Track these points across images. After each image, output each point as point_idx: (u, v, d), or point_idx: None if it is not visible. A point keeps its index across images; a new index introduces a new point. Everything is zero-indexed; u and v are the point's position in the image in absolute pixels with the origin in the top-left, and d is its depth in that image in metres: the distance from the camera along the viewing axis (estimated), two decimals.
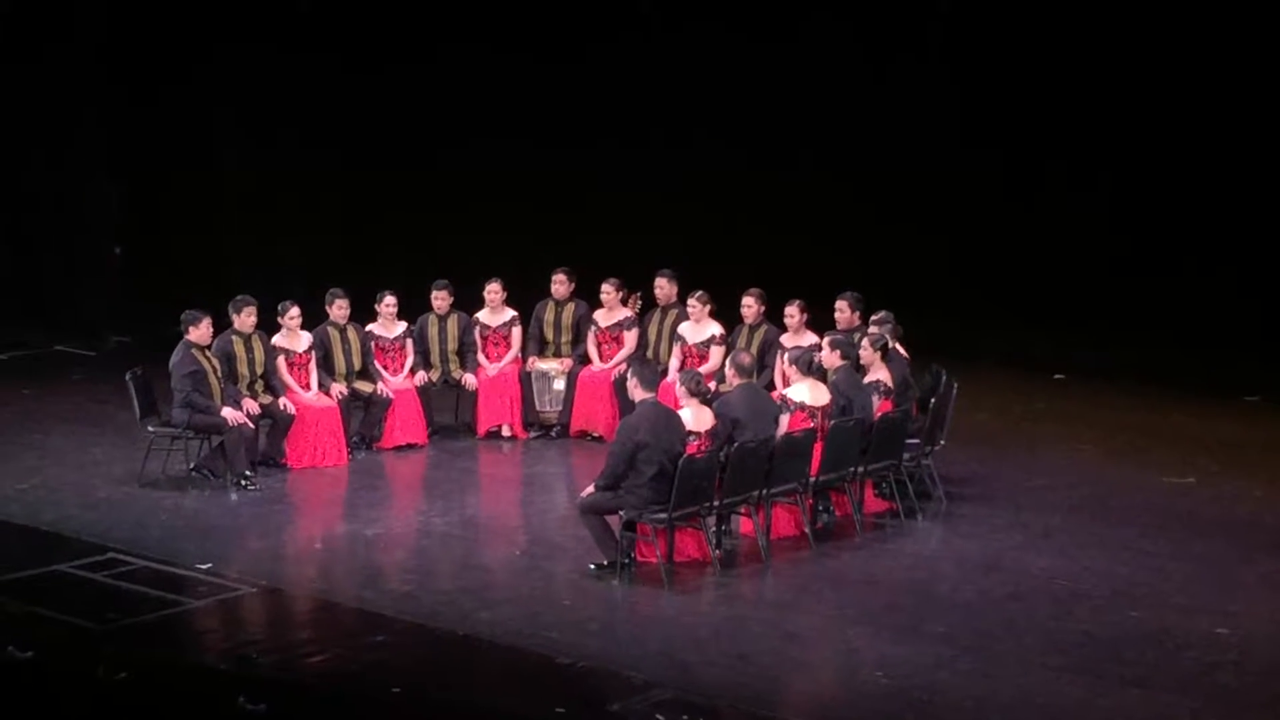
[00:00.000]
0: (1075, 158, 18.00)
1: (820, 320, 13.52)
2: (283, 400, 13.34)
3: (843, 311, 13.35)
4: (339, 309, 13.99)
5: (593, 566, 11.09)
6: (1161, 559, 11.47)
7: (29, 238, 18.61)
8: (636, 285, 14.76)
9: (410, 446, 14.14)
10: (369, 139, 19.98)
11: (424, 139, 20.14)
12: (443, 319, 14.59)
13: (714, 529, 11.42)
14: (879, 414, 12.12)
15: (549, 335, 14.73)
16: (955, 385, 12.94)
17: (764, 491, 11.39)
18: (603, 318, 14.59)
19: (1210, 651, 9.85)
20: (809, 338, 13.25)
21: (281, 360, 13.52)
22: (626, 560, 11.00)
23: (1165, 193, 17.64)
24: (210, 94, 19.24)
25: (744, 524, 11.74)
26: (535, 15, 19.75)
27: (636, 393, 11.26)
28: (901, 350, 12.91)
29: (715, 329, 13.99)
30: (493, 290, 14.65)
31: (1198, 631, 10.12)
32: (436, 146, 20.16)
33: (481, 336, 14.65)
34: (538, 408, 14.59)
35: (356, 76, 19.78)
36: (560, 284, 14.71)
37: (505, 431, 14.56)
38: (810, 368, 11.99)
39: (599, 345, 14.56)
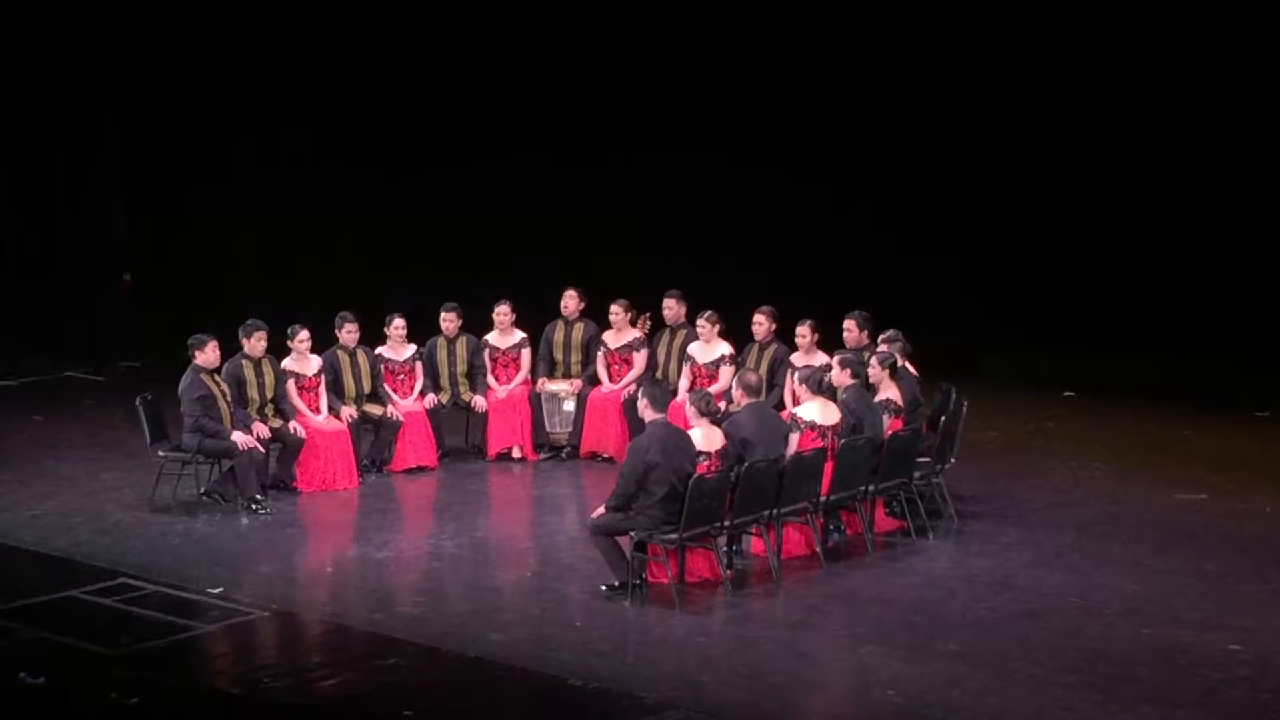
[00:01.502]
0: (1084, 177, 18.02)
1: (829, 341, 13.51)
2: (293, 424, 13.35)
3: (851, 331, 13.34)
4: (348, 332, 14.00)
5: (604, 587, 11.08)
6: (1173, 576, 11.45)
7: (39, 264, 18.65)
8: (645, 306, 14.78)
9: (420, 469, 14.16)
10: (378, 163, 20.03)
11: (433, 162, 20.18)
12: (452, 341, 14.59)
13: (725, 549, 11.42)
14: (889, 433, 12.12)
15: (558, 356, 14.73)
16: (965, 403, 12.94)
17: (775, 511, 11.38)
18: (612, 339, 14.59)
19: (1223, 668, 9.82)
20: (819, 358, 13.23)
21: (291, 384, 13.52)
22: (638, 581, 10.98)
23: (1175, 210, 17.64)
24: (224, 119, 19.29)
25: (755, 544, 11.73)
26: (551, 35, 19.83)
27: (647, 413, 11.25)
28: (911, 368, 12.91)
29: (725, 349, 13.99)
30: (502, 312, 14.66)
31: (1210, 648, 10.09)
32: (446, 169, 20.21)
33: (491, 359, 14.65)
34: (548, 429, 14.59)
35: (366, 97, 19.83)
36: (571, 299, 14.72)
37: (515, 453, 14.56)
38: (820, 387, 11.98)
39: (608, 366, 14.56)
